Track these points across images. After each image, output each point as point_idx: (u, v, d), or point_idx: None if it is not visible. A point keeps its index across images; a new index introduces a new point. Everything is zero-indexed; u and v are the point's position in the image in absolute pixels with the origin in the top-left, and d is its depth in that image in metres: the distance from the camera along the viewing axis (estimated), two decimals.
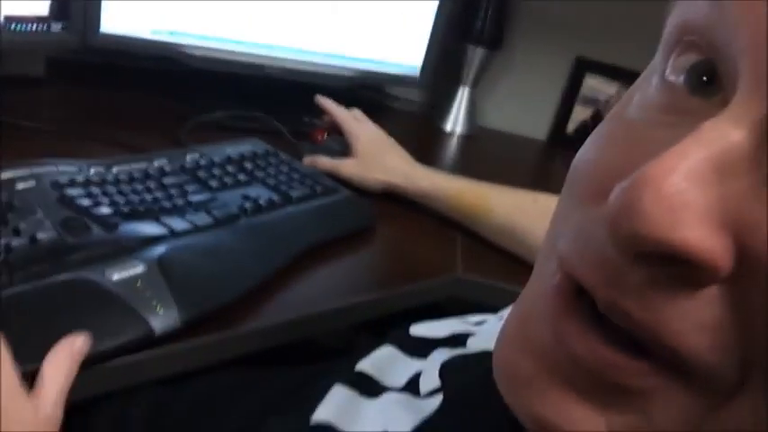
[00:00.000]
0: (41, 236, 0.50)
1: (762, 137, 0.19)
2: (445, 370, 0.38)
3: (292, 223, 0.65)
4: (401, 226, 0.75)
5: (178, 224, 0.57)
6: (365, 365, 0.43)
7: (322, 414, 0.38)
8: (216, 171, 0.70)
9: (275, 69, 0.97)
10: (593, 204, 0.23)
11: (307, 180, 0.73)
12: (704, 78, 0.22)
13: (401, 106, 1.23)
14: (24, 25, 0.76)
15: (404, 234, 0.74)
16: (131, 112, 0.90)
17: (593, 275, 0.22)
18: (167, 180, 0.65)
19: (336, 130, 0.87)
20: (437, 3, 1.05)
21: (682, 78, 0.23)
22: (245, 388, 0.50)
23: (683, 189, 0.19)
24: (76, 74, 0.94)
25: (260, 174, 0.72)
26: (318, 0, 0.96)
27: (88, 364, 0.43)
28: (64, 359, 0.41)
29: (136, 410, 0.48)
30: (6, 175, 0.57)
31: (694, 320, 0.20)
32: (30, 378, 0.40)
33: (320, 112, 0.89)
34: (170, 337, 0.47)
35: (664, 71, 0.24)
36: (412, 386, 0.39)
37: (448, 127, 1.20)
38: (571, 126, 1.29)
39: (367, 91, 1.15)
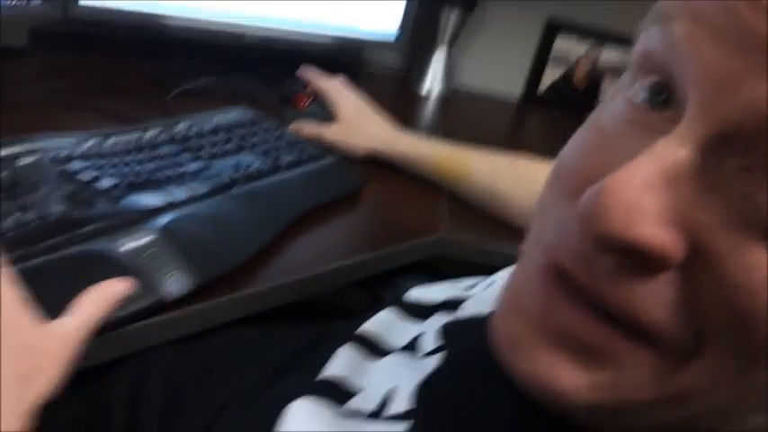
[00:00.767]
0: (49, 211, 0.52)
1: (703, 153, 0.24)
2: (447, 332, 0.42)
3: (284, 190, 0.68)
4: (387, 189, 0.78)
5: (177, 194, 0.59)
6: (368, 328, 0.46)
7: (331, 371, 0.42)
8: (206, 140, 0.72)
9: (254, 38, 0.98)
10: (572, 201, 0.27)
11: (295, 146, 0.76)
12: (660, 97, 0.27)
13: (379, 71, 1.25)
14: None
15: (390, 197, 0.77)
16: (116, 80, 0.91)
17: (572, 263, 0.27)
18: (161, 150, 0.67)
19: (319, 96, 0.89)
20: None
21: (642, 97, 0.28)
22: (254, 347, 0.53)
23: (637, 196, 0.24)
24: (58, 44, 0.94)
25: (249, 141, 0.74)
26: None
27: (105, 332, 0.46)
28: (101, 294, 0.43)
29: (152, 370, 0.51)
30: (6, 151, 0.58)
31: (655, 299, 0.25)
32: None
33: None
34: (180, 302, 0.50)
35: (627, 92, 0.28)
36: (413, 347, 0.43)
37: (425, 89, 1.23)
38: (543, 86, 1.32)
39: (345, 57, 1.17)
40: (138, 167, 0.62)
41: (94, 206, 0.54)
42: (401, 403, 0.37)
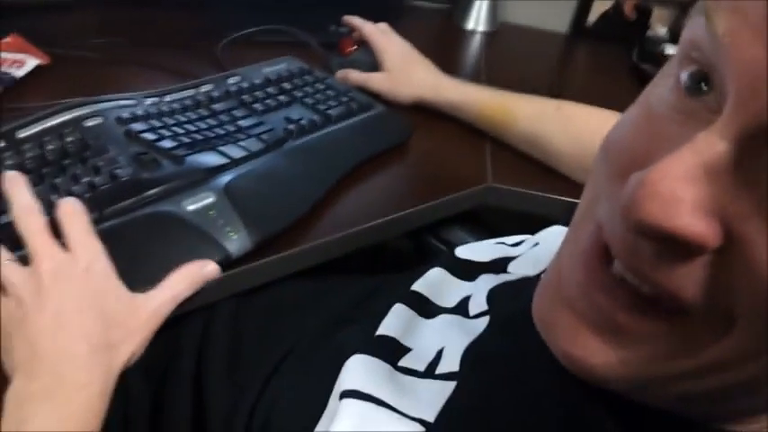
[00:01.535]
0: (119, 172, 0.55)
1: (740, 146, 0.25)
2: (493, 296, 0.45)
3: (335, 144, 0.70)
4: (432, 137, 0.79)
5: (234, 152, 0.62)
6: (420, 286, 0.49)
7: (386, 328, 0.45)
8: (258, 94, 0.74)
9: None
10: (619, 184, 0.29)
11: (342, 97, 0.77)
12: (702, 85, 0.28)
13: (424, 5, 1.23)
14: None
15: (435, 145, 0.78)
16: (165, 33, 0.92)
17: (618, 245, 0.29)
18: (216, 106, 0.70)
19: (363, 42, 0.89)
20: None
21: (687, 84, 0.29)
22: (311, 300, 0.57)
23: (677, 188, 0.25)
24: None
25: (299, 93, 0.76)
26: None
27: None
28: (191, 274, 0.47)
29: (217, 321, 0.55)
30: (72, 114, 0.61)
31: (692, 278, 0.27)
32: None
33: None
34: (241, 258, 0.54)
35: (677, 76, 0.29)
36: (462, 308, 0.46)
37: (470, 25, 1.21)
38: (592, 17, 1.29)
39: None
40: (196, 125, 0.65)
41: (160, 167, 0.57)
42: (450, 364, 0.40)
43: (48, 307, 0.42)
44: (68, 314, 0.42)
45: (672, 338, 0.29)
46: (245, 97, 0.72)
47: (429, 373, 0.41)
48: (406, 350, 0.43)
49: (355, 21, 0.89)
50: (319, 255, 0.59)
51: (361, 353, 0.42)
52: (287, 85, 0.77)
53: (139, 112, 0.64)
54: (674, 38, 1.22)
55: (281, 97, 0.74)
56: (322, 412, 0.41)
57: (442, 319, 0.46)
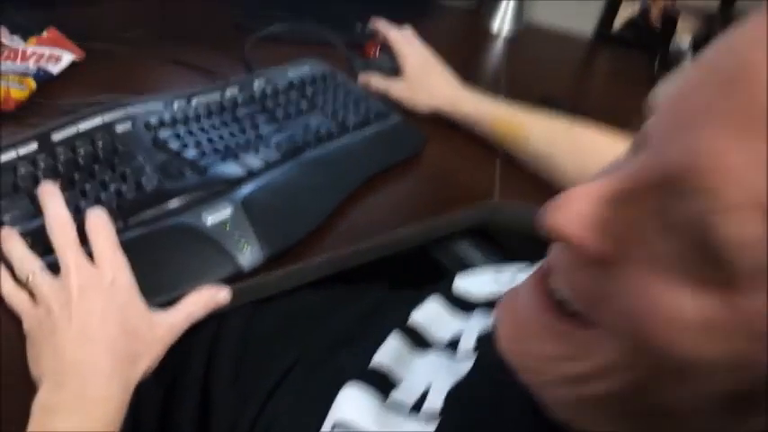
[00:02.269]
0: (145, 182, 0.59)
1: (646, 188, 0.29)
2: (481, 341, 0.48)
3: (351, 155, 0.73)
4: (445, 148, 0.82)
5: (253, 162, 0.65)
6: (418, 318, 0.53)
7: (381, 358, 0.49)
8: (281, 99, 0.77)
9: None
10: None
11: (361, 104, 0.80)
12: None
13: (451, 6, 1.24)
14: None
15: (447, 157, 0.81)
16: (192, 27, 0.95)
17: (552, 258, 0.35)
18: (240, 112, 0.73)
19: (388, 46, 0.91)
20: None
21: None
22: (319, 312, 0.61)
23: (582, 204, 0.31)
24: None
25: (319, 100, 0.79)
26: None
27: None
28: (205, 298, 0.51)
29: (227, 330, 0.59)
30: (105, 117, 0.65)
31: (583, 286, 0.32)
32: None
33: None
34: (252, 270, 0.58)
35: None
36: (452, 346, 0.49)
37: (495, 27, 1.22)
38: (618, 22, 1.29)
39: None
40: (219, 132, 0.68)
41: (184, 177, 0.61)
42: (435, 401, 0.44)
43: (75, 319, 0.45)
44: (95, 327, 0.45)
45: (573, 341, 0.33)
46: (269, 103, 0.75)
47: (416, 408, 0.44)
48: (397, 383, 0.47)
49: (380, 24, 0.91)
50: (328, 268, 0.63)
51: (356, 380, 0.46)
52: (309, 91, 0.79)
53: (167, 117, 0.67)
54: (696, 50, 1.22)
55: (303, 103, 0.77)
56: None
57: (433, 356, 0.49)
